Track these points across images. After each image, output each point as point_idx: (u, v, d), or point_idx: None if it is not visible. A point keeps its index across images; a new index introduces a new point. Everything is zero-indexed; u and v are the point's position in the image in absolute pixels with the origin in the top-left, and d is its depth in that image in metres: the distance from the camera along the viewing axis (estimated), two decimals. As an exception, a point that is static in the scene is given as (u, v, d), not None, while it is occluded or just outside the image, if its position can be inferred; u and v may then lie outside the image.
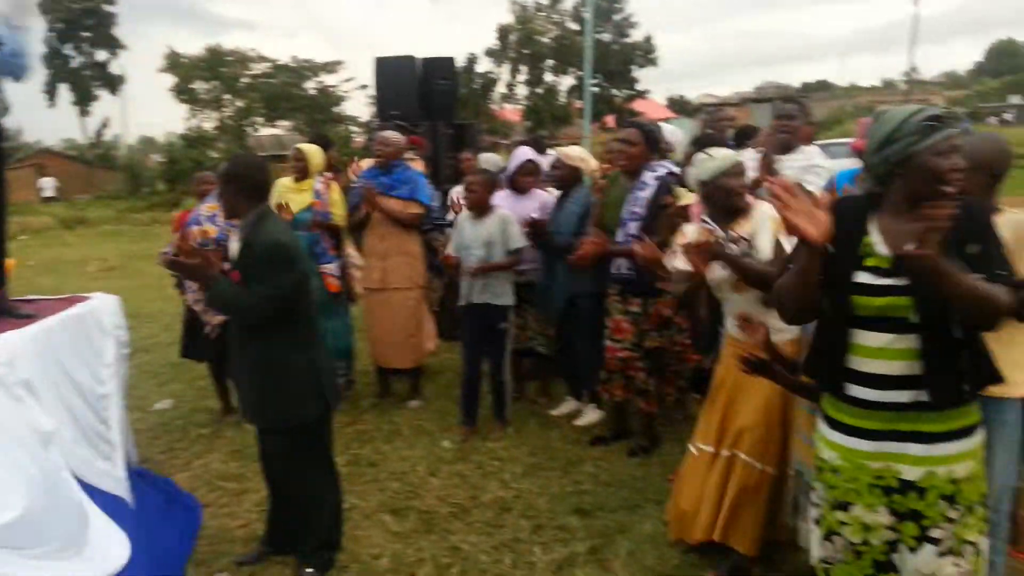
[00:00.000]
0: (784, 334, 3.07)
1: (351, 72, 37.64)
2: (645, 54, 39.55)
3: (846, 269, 2.07)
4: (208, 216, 5.01)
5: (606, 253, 4.30)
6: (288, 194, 5.28)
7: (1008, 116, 38.71)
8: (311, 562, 3.32)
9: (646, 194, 4.25)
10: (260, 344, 3.14)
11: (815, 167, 4.26)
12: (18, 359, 2.86)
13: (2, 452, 2.50)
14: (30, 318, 3.35)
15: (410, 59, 7.86)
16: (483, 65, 38.03)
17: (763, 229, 3.11)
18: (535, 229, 4.83)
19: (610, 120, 35.07)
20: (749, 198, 3.29)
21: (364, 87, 31.25)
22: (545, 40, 37.89)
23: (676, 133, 5.43)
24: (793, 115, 4.47)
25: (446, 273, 5.95)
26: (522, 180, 5.17)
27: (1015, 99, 43.01)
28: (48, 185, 31.44)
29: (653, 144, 4.42)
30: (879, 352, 2.06)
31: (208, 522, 3.83)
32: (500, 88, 38.80)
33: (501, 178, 5.26)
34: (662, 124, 5.22)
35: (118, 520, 3.09)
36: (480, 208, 4.79)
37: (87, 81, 39.60)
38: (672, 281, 3.37)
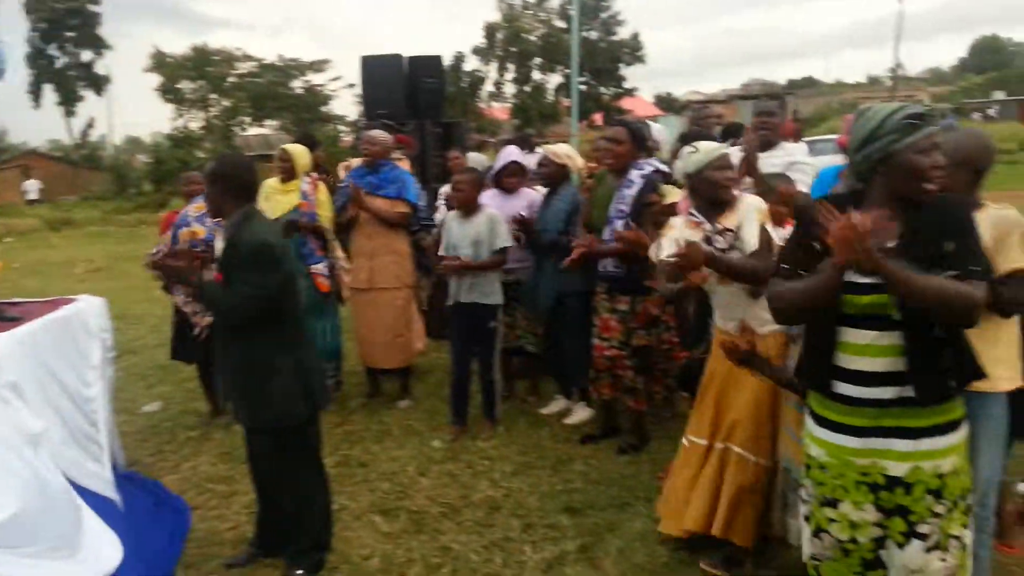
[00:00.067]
0: (770, 326, 3.10)
1: (338, 71, 37.41)
2: (632, 52, 39.62)
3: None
4: (196, 217, 4.99)
5: (595, 254, 4.31)
6: (275, 195, 5.26)
7: (992, 112, 38.96)
8: (301, 563, 3.31)
9: (633, 192, 4.27)
10: (244, 344, 3.13)
11: (798, 164, 4.29)
12: (4, 361, 2.85)
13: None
14: (16, 321, 3.33)
15: (397, 58, 7.85)
16: (470, 63, 38.02)
17: (749, 220, 3.13)
18: (522, 227, 4.83)
19: (598, 118, 35.11)
20: (735, 190, 3.31)
21: (351, 86, 31.13)
22: (532, 38, 37.88)
23: (662, 132, 5.45)
24: (773, 112, 4.52)
25: (434, 272, 5.94)
26: (507, 181, 5.17)
27: (999, 95, 43.30)
28: (32, 188, 31.18)
29: (640, 142, 4.43)
30: (864, 349, 2.08)
31: (197, 525, 3.81)
32: (488, 86, 38.80)
33: (488, 177, 5.26)
34: (650, 123, 5.23)
35: (108, 522, 3.09)
36: (468, 207, 4.79)
37: (72, 81, 39.35)
38: (658, 275, 3.38)
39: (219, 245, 3.18)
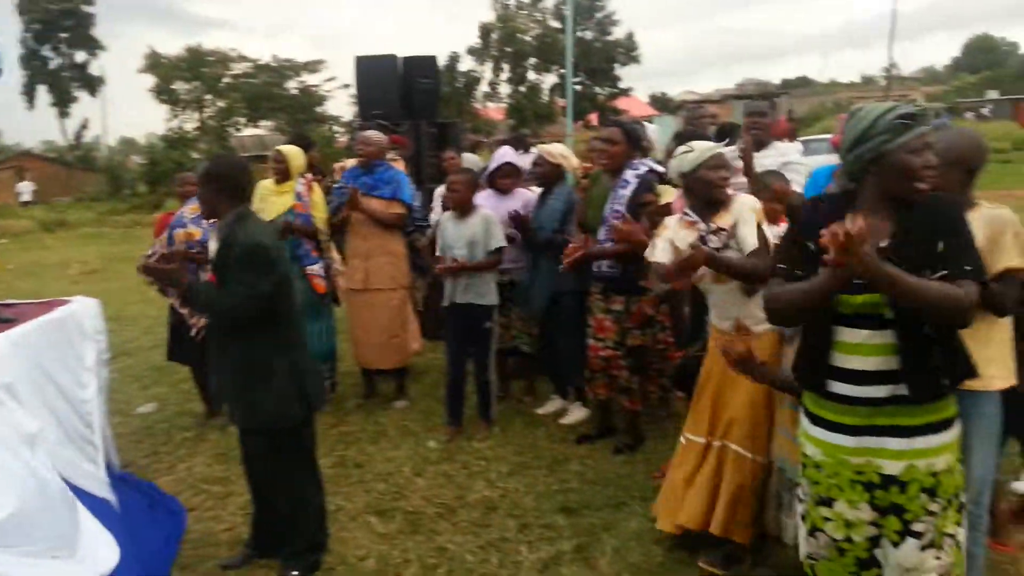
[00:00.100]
0: (764, 325, 3.11)
1: (333, 71, 37.50)
2: (627, 52, 39.64)
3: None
4: (192, 218, 4.99)
5: (592, 255, 4.30)
6: (269, 196, 5.25)
7: (985, 111, 39.03)
8: (296, 564, 3.31)
9: (628, 192, 4.27)
10: (242, 346, 3.13)
11: (792, 164, 4.31)
12: (-1, 363, 2.84)
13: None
14: (10, 322, 3.33)
15: (391, 58, 7.83)
16: (465, 64, 37.99)
17: (745, 221, 3.14)
18: (518, 224, 4.84)
19: (593, 118, 35.10)
20: (729, 190, 3.32)
21: (346, 86, 31.16)
22: (527, 38, 37.88)
23: (655, 132, 5.47)
24: (764, 112, 4.58)
25: (429, 273, 5.94)
26: (501, 182, 5.17)
27: (992, 94, 43.38)
28: (26, 189, 31.04)
29: (635, 142, 4.44)
30: (857, 348, 2.09)
31: (192, 526, 3.80)
32: (483, 87, 38.78)
33: (482, 178, 5.27)
34: (644, 123, 5.25)
35: (104, 523, 3.09)
36: (463, 208, 4.79)
37: (66, 82, 39.21)
38: (651, 275, 3.38)
39: (213, 246, 3.17)
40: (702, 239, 3.21)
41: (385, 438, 4.94)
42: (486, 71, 38.63)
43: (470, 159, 6.26)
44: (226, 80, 33.31)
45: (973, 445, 2.52)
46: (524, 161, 5.61)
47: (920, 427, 2.08)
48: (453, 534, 3.68)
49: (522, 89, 38.54)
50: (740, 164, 4.11)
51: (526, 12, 38.62)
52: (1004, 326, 2.62)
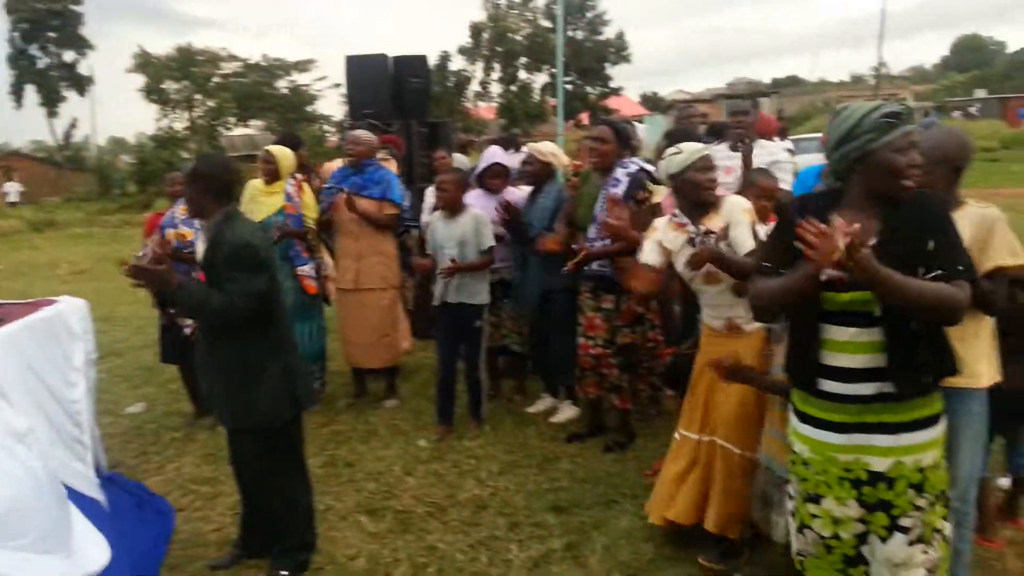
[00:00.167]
0: (756, 324, 3.13)
1: (323, 71, 37.47)
2: (618, 51, 39.72)
3: None
4: (183, 219, 4.96)
5: (593, 256, 4.28)
6: (259, 196, 5.24)
7: (973, 110, 39.28)
8: (285, 564, 3.30)
9: (619, 191, 4.28)
10: (234, 346, 3.12)
11: (778, 162, 4.36)
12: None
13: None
14: (-2, 322, 3.31)
15: (382, 57, 7.82)
16: (456, 63, 38.02)
17: (738, 223, 3.13)
18: (509, 213, 4.84)
19: (584, 117, 35.19)
20: (719, 191, 3.32)
21: (337, 86, 31.09)
22: (518, 38, 37.91)
23: (644, 132, 5.50)
24: (746, 111, 4.77)
25: (418, 273, 5.95)
26: (491, 182, 5.17)
27: (980, 93, 43.65)
28: (12, 190, 30.88)
29: (625, 141, 4.44)
30: (844, 346, 2.10)
31: (181, 526, 3.79)
32: (474, 86, 38.81)
33: (471, 178, 5.27)
34: (634, 123, 5.27)
35: (94, 522, 3.08)
36: (452, 207, 4.79)
37: (54, 82, 38.95)
38: (638, 275, 3.38)
39: (200, 247, 3.16)
40: (692, 241, 3.21)
41: (375, 437, 4.93)
42: (477, 70, 38.70)
43: (458, 159, 6.25)
44: (216, 79, 33.21)
45: (960, 442, 2.53)
46: (513, 160, 5.61)
47: (907, 424, 2.09)
48: (443, 533, 3.68)
49: (513, 88, 38.58)
50: (728, 164, 4.15)
51: (517, 12, 38.66)
52: (989, 323, 2.63)
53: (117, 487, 3.80)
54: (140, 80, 32.44)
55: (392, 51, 7.95)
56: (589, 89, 39.16)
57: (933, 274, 1.98)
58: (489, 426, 4.98)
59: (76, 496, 3.10)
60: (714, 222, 3.19)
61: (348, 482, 4.28)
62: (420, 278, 6.24)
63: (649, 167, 4.39)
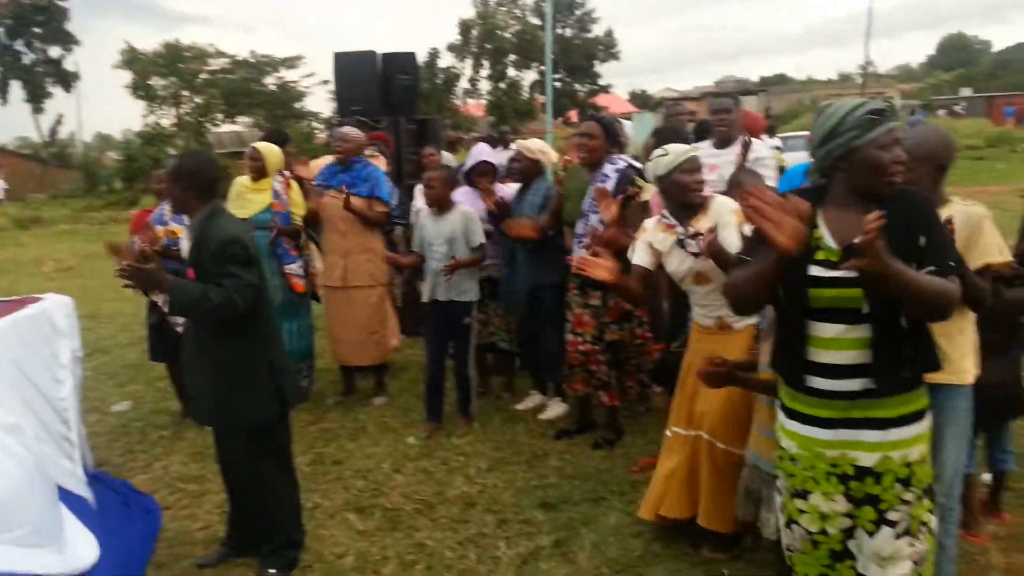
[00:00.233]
0: (745, 321, 3.15)
1: (312, 67, 37.36)
2: (607, 48, 39.79)
3: (800, 262, 2.10)
4: (173, 216, 4.92)
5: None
6: (246, 193, 5.21)
7: (958, 108, 39.53)
8: (274, 562, 3.30)
9: (608, 186, 4.28)
10: (224, 344, 3.11)
11: (761, 159, 4.38)
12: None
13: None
14: (-18, 320, 3.29)
15: (371, 54, 7.79)
16: (445, 60, 37.98)
17: (726, 224, 3.14)
18: (501, 210, 4.84)
19: (573, 115, 35.17)
20: (706, 191, 3.33)
21: (325, 82, 30.99)
22: (507, 35, 37.90)
23: (631, 129, 5.52)
24: (729, 109, 4.72)
25: (404, 271, 5.94)
26: (477, 180, 5.17)
27: (966, 91, 43.94)
28: (-3, 186, 30.61)
29: (613, 137, 4.45)
30: (832, 342, 2.10)
31: (168, 524, 3.78)
32: (463, 83, 38.77)
33: (460, 175, 5.27)
34: (622, 120, 5.28)
35: (83, 520, 3.07)
36: (441, 205, 4.78)
37: (40, 78, 38.61)
38: (630, 277, 3.37)
39: (185, 245, 3.15)
40: (680, 242, 3.22)
41: (364, 435, 4.92)
42: (466, 67, 38.69)
43: (444, 158, 6.24)
44: (203, 76, 33.02)
45: (945, 438, 2.55)
46: (501, 158, 5.61)
47: (895, 419, 2.10)
48: (432, 530, 3.68)
49: (502, 86, 38.58)
50: (712, 162, 4.17)
51: (506, 9, 38.65)
52: (972, 319, 2.65)
53: (103, 485, 3.78)
54: (127, 76, 32.28)
55: (381, 48, 7.93)
56: (578, 86, 39.22)
57: (925, 270, 1.99)
58: (478, 423, 4.98)
59: (64, 494, 3.09)
60: (702, 223, 3.20)
61: (336, 480, 4.27)
62: (408, 275, 6.23)
63: (637, 164, 4.41)
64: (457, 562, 3.40)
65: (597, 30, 39.71)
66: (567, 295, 4.51)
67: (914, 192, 2.12)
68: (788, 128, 26.31)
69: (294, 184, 5.40)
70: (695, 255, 3.19)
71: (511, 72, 38.93)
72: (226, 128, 35.19)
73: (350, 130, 5.40)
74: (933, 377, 2.19)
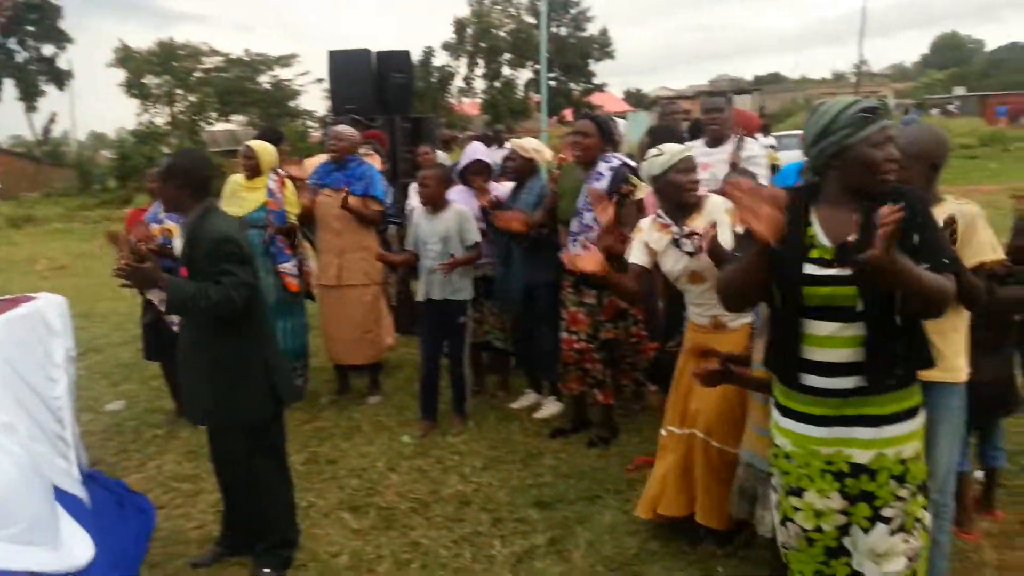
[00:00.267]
0: (741, 320, 3.15)
1: (306, 66, 37.18)
2: (601, 47, 39.81)
3: (794, 261, 2.11)
4: (169, 214, 4.90)
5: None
6: (241, 192, 5.20)
7: (952, 107, 39.66)
8: (268, 562, 3.29)
9: (603, 184, 4.28)
10: (220, 342, 3.10)
11: (752, 158, 4.39)
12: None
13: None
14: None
15: (365, 53, 7.78)
16: (440, 58, 37.96)
17: (721, 223, 3.14)
18: (494, 208, 4.85)
19: (568, 114, 35.22)
20: (701, 191, 3.33)
21: (320, 81, 30.97)
22: (502, 34, 37.89)
23: (625, 128, 5.53)
24: (720, 108, 4.73)
25: (398, 270, 5.93)
26: (472, 179, 5.17)
27: (959, 90, 44.06)
28: (-15, 186, 30.43)
29: (607, 135, 4.45)
30: (826, 340, 2.10)
31: (162, 524, 3.77)
32: (457, 82, 38.76)
33: (454, 174, 5.26)
34: (616, 119, 5.29)
35: (77, 519, 3.07)
36: (435, 203, 4.78)
37: (33, 76, 38.42)
38: (627, 276, 3.38)
39: (178, 243, 3.14)
40: (676, 242, 3.23)
41: (358, 433, 4.92)
42: (461, 66, 38.67)
43: (439, 156, 6.23)
44: (198, 74, 32.96)
45: (939, 436, 2.56)
46: (496, 156, 5.60)
47: (889, 416, 2.11)
48: (427, 529, 3.68)
49: (497, 84, 38.58)
50: (704, 160, 4.18)
51: (500, 7, 38.66)
52: (966, 317, 2.66)
53: (97, 485, 3.77)
54: (121, 75, 32.20)
55: (375, 46, 7.92)
56: (573, 85, 39.24)
57: (922, 267, 2.00)
58: (473, 422, 4.98)
59: (59, 493, 3.09)
60: (697, 222, 3.20)
61: (331, 479, 4.27)
62: (403, 274, 6.22)
63: (631, 162, 4.41)
64: (452, 561, 3.40)
65: (592, 29, 39.78)
66: (562, 293, 4.51)
67: (907, 191, 2.12)
68: (782, 127, 26.33)
69: (288, 183, 5.38)
70: (690, 254, 3.20)
71: (506, 71, 38.95)
72: (220, 127, 35.16)
73: (345, 129, 5.39)
74: (927, 375, 2.19)
